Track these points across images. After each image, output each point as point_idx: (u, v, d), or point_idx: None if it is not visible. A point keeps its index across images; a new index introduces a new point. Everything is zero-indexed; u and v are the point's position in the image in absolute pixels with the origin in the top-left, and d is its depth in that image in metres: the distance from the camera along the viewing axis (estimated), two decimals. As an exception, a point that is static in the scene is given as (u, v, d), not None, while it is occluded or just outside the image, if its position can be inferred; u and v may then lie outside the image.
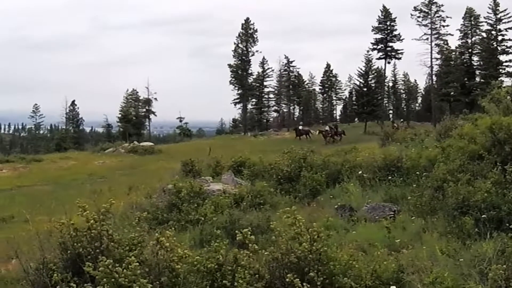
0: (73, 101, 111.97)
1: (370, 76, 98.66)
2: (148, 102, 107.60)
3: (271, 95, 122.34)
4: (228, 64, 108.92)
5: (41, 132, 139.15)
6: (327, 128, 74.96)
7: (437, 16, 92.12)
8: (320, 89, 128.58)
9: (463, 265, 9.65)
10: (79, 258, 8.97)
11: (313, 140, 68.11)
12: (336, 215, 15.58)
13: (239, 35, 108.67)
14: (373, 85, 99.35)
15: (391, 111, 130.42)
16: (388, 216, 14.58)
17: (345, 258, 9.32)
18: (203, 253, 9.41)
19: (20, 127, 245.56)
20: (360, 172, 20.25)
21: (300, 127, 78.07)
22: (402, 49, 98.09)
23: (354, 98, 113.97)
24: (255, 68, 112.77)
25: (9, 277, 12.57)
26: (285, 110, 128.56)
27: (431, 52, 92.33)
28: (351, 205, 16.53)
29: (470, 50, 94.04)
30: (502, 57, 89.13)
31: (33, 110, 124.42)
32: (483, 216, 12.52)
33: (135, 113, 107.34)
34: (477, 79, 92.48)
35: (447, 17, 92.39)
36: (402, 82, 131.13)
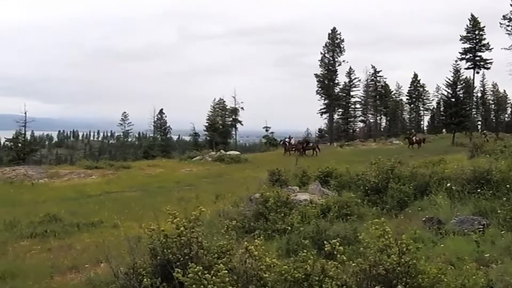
0: (161, 110, 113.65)
1: (458, 86, 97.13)
2: (234, 111, 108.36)
3: (358, 105, 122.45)
4: (314, 74, 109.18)
5: (130, 139, 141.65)
6: (291, 141, 73.91)
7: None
8: (407, 99, 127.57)
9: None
10: (168, 264, 9.10)
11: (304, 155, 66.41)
12: (423, 227, 15.37)
13: (325, 45, 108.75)
14: (461, 95, 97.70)
15: (479, 122, 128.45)
16: (477, 230, 14.28)
17: (434, 271, 9.16)
18: (291, 262, 9.41)
19: (109, 134, 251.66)
20: (448, 184, 19.92)
21: (287, 140, 76.87)
22: (491, 59, 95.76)
23: (442, 108, 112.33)
24: (341, 78, 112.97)
25: (98, 280, 12.82)
26: (371, 120, 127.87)
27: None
28: (439, 217, 16.26)
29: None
30: None
31: (122, 118, 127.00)
32: None
33: (222, 122, 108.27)
34: None
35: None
36: (491, 93, 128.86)
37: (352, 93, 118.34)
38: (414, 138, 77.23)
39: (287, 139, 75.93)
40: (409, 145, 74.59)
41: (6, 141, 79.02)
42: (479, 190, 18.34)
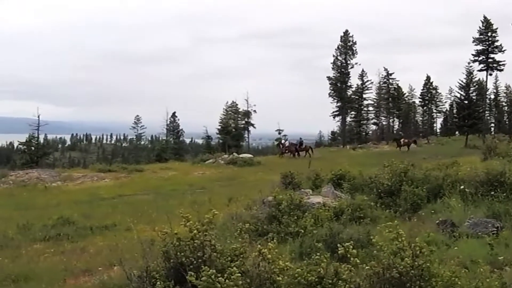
0: (174, 113, 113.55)
1: (471, 89, 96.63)
2: (247, 114, 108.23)
3: (370, 108, 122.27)
4: (327, 77, 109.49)
5: (142, 142, 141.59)
6: (286, 143, 74.78)
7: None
8: (420, 101, 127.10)
9: None
10: (181, 267, 9.10)
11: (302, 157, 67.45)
12: (437, 230, 15.32)
13: (338, 47, 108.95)
14: (474, 97, 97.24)
15: (492, 124, 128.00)
16: (490, 232, 14.23)
17: (448, 274, 9.12)
18: (304, 265, 9.39)
19: (122, 137, 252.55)
20: (462, 187, 19.83)
21: (283, 142, 77.63)
22: (504, 61, 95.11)
23: (455, 111, 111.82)
24: (354, 81, 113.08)
25: (111, 283, 12.86)
26: (384, 123, 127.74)
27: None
28: (452, 220, 16.19)
29: None
30: None
31: (134, 121, 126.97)
32: None
33: (235, 125, 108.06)
34: None
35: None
36: (504, 95, 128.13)
37: (364, 96, 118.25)
38: (402, 140, 77.26)
39: (282, 141, 76.66)
40: (397, 147, 74.61)
41: (19, 144, 79.30)
42: (492, 193, 18.26)
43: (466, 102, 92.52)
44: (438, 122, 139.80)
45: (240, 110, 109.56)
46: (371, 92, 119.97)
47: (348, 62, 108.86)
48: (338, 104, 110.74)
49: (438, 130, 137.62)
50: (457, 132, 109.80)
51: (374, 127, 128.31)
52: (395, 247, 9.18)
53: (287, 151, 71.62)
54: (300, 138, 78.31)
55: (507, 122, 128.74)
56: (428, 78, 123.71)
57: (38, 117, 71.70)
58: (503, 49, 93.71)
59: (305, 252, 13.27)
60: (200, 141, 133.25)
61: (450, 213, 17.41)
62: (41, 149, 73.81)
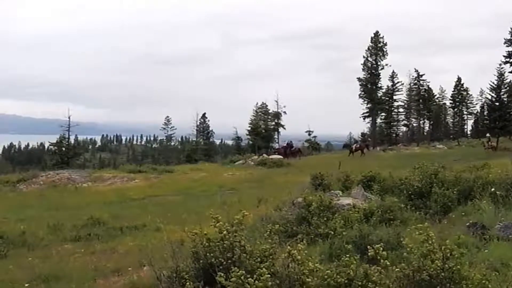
0: (204, 114, 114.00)
1: (502, 90, 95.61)
2: (277, 115, 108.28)
3: (401, 109, 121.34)
4: (357, 78, 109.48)
5: (172, 143, 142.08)
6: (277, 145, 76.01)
7: None
8: (450, 103, 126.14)
9: None
10: (211, 268, 9.10)
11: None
12: (467, 232, 15.17)
13: (368, 48, 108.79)
14: (505, 99, 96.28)
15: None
16: (522, 235, 14.11)
17: (478, 277, 9.03)
18: (333, 267, 9.35)
19: (152, 138, 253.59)
20: (492, 189, 19.63)
21: (277, 146, 78.63)
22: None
23: (485, 112, 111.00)
24: (384, 82, 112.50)
25: (141, 283, 12.90)
26: (414, 124, 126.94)
27: None
28: (483, 223, 16.04)
29: None
30: None
31: (164, 122, 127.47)
32: None
33: (264, 126, 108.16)
34: None
35: None
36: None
37: (395, 97, 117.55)
38: (354, 146, 77.03)
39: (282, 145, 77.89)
40: (350, 153, 73.81)
41: (50, 145, 79.98)
42: (524, 195, 18.08)
43: (497, 104, 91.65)
44: (469, 124, 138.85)
45: (270, 111, 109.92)
46: (402, 94, 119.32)
47: (379, 63, 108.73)
48: (368, 105, 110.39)
49: (468, 132, 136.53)
50: (488, 134, 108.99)
51: (404, 128, 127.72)
52: (425, 249, 9.11)
53: (277, 154, 73.11)
54: (291, 141, 79.07)
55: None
56: (459, 79, 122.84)
57: (69, 118, 72.46)
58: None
59: (335, 253, 13.17)
60: (230, 142, 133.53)
61: (481, 215, 17.20)
62: (72, 150, 74.61)
